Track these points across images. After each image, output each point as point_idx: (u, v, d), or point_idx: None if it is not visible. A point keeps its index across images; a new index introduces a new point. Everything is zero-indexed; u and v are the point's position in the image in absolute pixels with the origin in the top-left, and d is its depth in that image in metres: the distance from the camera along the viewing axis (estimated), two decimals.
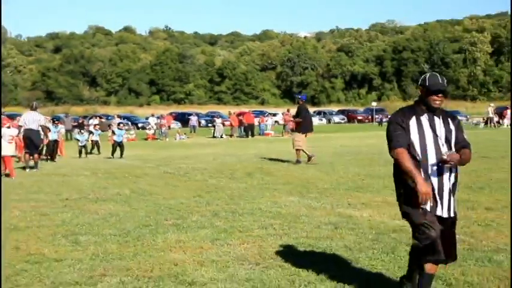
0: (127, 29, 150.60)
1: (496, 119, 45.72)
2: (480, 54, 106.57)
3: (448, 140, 4.31)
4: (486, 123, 46.55)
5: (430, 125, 4.31)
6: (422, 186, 4.13)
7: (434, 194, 4.23)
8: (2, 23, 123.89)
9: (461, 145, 4.38)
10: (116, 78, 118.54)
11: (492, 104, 50.18)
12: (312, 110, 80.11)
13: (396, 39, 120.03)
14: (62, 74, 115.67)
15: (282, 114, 47.63)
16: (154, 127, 40.73)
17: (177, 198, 9.99)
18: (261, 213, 8.43)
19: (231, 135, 37.96)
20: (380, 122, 57.46)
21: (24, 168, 16.12)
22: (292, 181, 12.19)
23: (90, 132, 25.58)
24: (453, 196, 4.32)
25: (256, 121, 41.55)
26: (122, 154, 20.53)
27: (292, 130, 38.84)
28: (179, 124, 52.26)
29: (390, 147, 4.33)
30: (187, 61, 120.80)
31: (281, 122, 48.17)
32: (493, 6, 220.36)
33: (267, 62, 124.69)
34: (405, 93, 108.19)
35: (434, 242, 4.20)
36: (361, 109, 75.86)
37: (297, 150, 16.06)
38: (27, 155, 16.12)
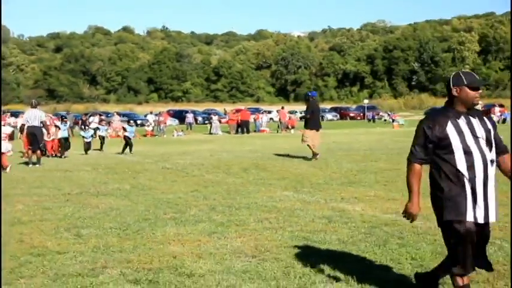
0: (126, 29, 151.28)
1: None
2: (468, 53, 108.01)
3: (489, 141, 4.07)
4: None
5: (469, 128, 4.05)
6: (412, 208, 4.14)
7: (476, 199, 4.00)
8: (5, 23, 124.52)
9: (502, 150, 4.21)
10: (115, 76, 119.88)
11: (481, 102, 50.33)
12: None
13: (387, 38, 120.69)
14: (63, 73, 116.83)
15: (277, 111, 47.69)
16: (153, 124, 40.83)
17: (175, 193, 10.09)
18: (256, 207, 8.52)
19: (229, 132, 38.05)
20: (372, 119, 57.92)
21: (27, 163, 16.30)
22: (287, 176, 12.31)
23: (97, 129, 25.46)
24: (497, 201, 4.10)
25: (251, 118, 41.64)
26: (131, 150, 20.63)
27: (287, 128, 39.19)
28: (176, 121, 52.31)
29: (408, 155, 4.21)
30: (185, 60, 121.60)
31: (276, 119, 48.27)
32: (480, 7, 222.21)
33: (262, 61, 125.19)
34: (396, 91, 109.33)
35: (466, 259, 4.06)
36: (353, 106, 76.79)
37: (308, 145, 16.15)
38: (30, 151, 16.33)
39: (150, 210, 8.40)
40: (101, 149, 22.67)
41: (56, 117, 30.79)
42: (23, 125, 16.79)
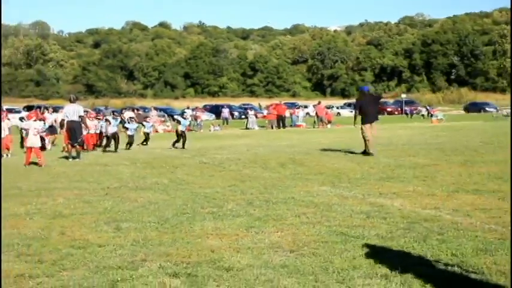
0: (162, 25, 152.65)
1: None
2: (510, 46, 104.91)
3: None
4: None
5: None
6: None
7: None
8: (45, 20, 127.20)
9: None
10: (152, 71, 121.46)
11: None
12: (342, 102, 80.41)
13: (425, 32, 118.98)
14: (102, 68, 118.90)
15: (313, 106, 47.49)
16: (190, 119, 41.07)
17: (212, 187, 10.13)
18: (294, 202, 8.48)
19: (266, 127, 38.07)
20: (410, 114, 57.02)
21: (67, 158, 16.61)
22: (324, 171, 12.21)
23: (141, 125, 25.34)
24: None
25: (287, 113, 41.56)
26: (184, 145, 20.53)
27: (325, 122, 38.96)
28: (213, 116, 52.58)
29: None
30: (221, 55, 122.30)
31: (312, 113, 48.04)
32: None
33: (298, 56, 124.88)
34: (434, 85, 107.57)
35: None
36: (391, 101, 75.16)
37: (365, 141, 15.79)
38: (70, 146, 16.62)
39: (188, 205, 8.44)
40: (146, 144, 22.86)
41: (94, 112, 31.17)
42: (63, 120, 17.12)
